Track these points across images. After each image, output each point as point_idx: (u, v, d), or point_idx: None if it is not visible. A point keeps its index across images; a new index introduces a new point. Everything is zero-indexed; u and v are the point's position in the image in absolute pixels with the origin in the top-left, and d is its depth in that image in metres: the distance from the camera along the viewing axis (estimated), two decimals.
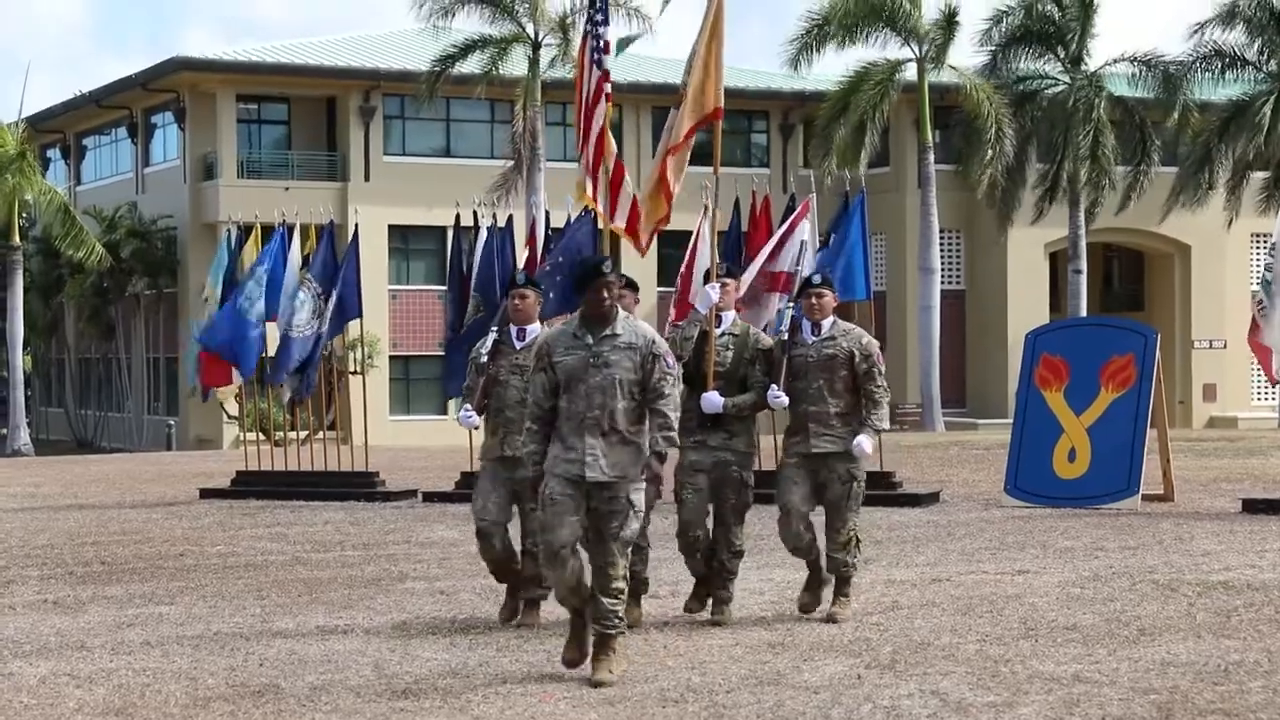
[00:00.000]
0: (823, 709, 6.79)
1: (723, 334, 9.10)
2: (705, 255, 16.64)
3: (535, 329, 8.95)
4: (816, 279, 9.25)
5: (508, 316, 9.06)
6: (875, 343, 9.21)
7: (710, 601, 9.07)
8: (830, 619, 8.83)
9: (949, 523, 14.16)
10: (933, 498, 16.24)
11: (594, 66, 9.76)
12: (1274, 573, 10.46)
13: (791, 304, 9.22)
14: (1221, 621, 8.64)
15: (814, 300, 9.06)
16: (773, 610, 9.39)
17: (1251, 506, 14.63)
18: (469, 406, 9.11)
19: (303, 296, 18.16)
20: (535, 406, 7.58)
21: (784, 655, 7.98)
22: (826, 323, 9.07)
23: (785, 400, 8.93)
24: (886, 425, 9.19)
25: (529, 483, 7.69)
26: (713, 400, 8.87)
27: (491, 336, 9.12)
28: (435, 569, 11.74)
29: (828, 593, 9.10)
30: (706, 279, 9.27)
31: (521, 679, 7.52)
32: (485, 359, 9.07)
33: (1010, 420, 16.33)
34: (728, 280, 9.22)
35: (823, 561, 9.09)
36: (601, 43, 9.52)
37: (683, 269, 16.73)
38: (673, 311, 16.91)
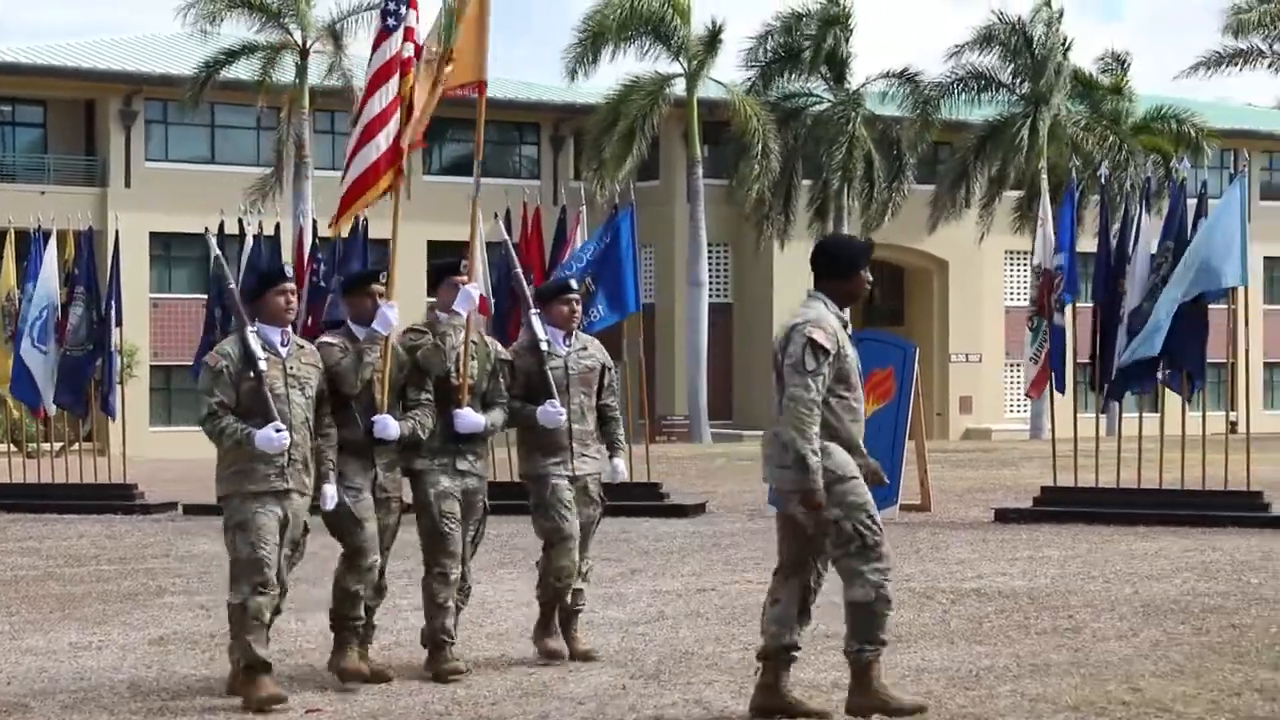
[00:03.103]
0: None
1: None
2: (478, 263, 16.69)
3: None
4: (574, 283, 8.67)
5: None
6: None
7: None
8: (590, 655, 8.14)
9: (714, 533, 14.33)
10: (699, 509, 16.42)
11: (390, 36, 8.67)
12: (1024, 580, 10.81)
13: (536, 311, 8.25)
14: (974, 628, 8.90)
15: (574, 306, 8.36)
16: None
17: (1003, 516, 15.10)
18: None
19: (79, 312, 17.71)
20: None
21: (550, 667, 7.98)
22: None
23: (563, 416, 8.06)
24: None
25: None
26: (472, 419, 7.83)
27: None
28: (195, 583, 11.50)
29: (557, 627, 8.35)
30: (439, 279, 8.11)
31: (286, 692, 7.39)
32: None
33: None
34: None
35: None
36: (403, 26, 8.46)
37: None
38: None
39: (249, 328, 7.30)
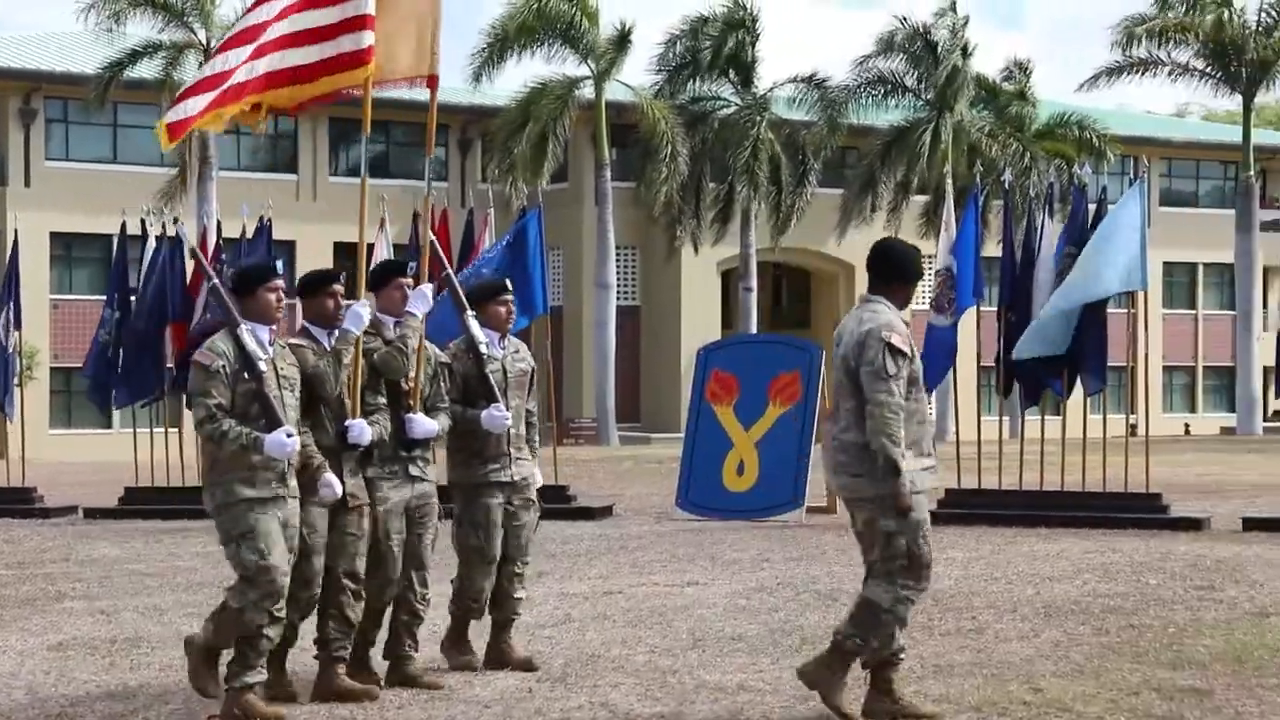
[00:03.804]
0: None
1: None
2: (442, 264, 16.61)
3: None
4: (508, 284, 8.40)
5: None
6: None
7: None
8: (531, 664, 7.93)
9: (621, 536, 14.34)
10: (606, 511, 16.43)
11: None
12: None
13: (472, 313, 8.00)
14: None
15: (510, 307, 8.19)
16: (445, 626, 9.34)
17: None
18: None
19: None
20: None
21: (455, 671, 7.95)
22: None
23: (509, 421, 7.85)
24: None
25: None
26: (427, 424, 7.50)
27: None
28: (96, 588, 11.35)
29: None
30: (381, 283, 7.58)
31: (185, 699, 7.31)
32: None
33: (683, 435, 16.66)
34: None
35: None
36: None
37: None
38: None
39: (242, 326, 6.91)
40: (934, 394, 39.45)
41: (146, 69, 37.68)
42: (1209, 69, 40.45)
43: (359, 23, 7.76)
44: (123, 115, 41.88)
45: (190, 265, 17.10)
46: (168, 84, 37.21)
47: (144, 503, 17.24)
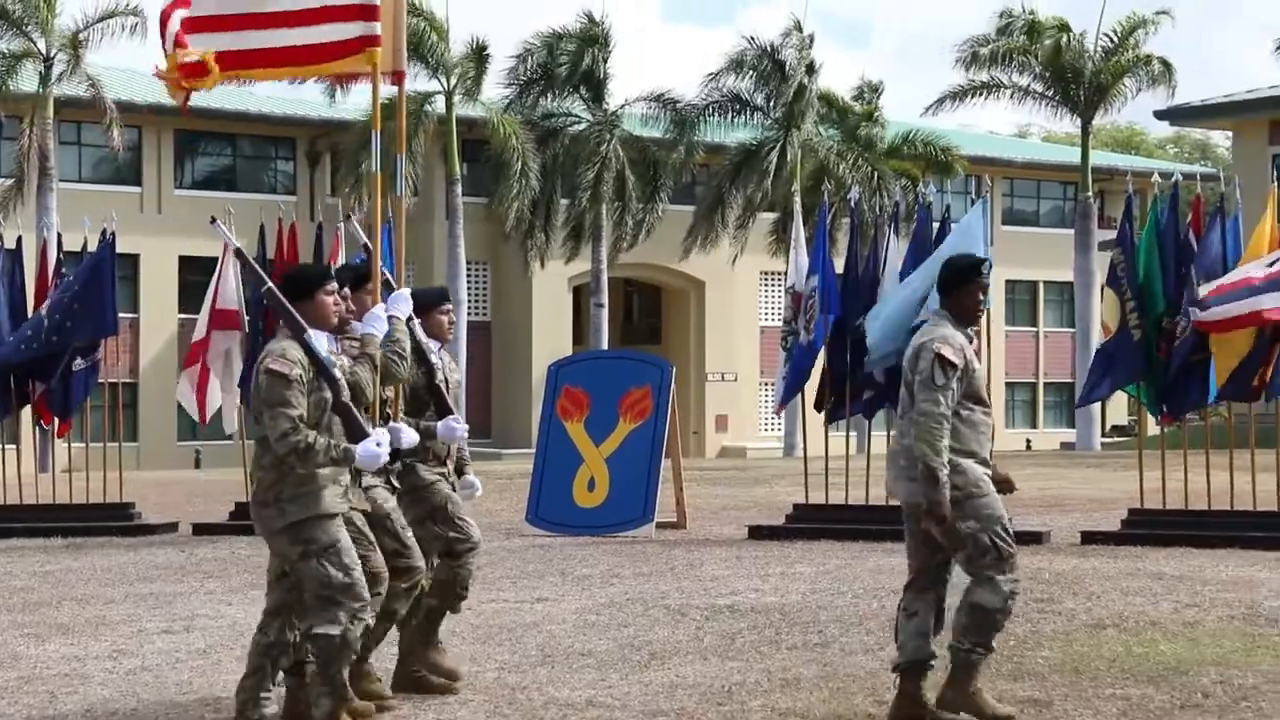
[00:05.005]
0: None
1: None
2: (230, 282, 16.39)
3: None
4: (448, 292, 8.27)
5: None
6: None
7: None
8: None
9: None
10: None
11: None
12: (776, 596, 10.99)
13: (418, 321, 7.68)
14: (727, 644, 9.02)
15: (452, 316, 8.14)
16: None
17: (757, 533, 15.34)
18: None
19: None
20: None
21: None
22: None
23: (465, 431, 7.82)
24: None
25: None
26: (412, 435, 7.19)
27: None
28: None
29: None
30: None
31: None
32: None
33: (533, 450, 16.65)
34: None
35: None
36: None
37: (211, 296, 16.40)
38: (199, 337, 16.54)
39: (309, 332, 6.59)
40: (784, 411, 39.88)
41: None
42: (1049, 92, 41.32)
43: (366, 12, 7.78)
44: None
45: (32, 279, 16.75)
46: (4, 93, 36.50)
47: None
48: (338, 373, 6.60)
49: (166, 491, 22.56)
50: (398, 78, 8.08)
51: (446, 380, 7.91)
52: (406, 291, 7.47)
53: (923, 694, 6.90)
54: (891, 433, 15.89)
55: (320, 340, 6.66)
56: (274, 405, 6.48)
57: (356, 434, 6.58)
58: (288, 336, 6.65)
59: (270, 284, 6.80)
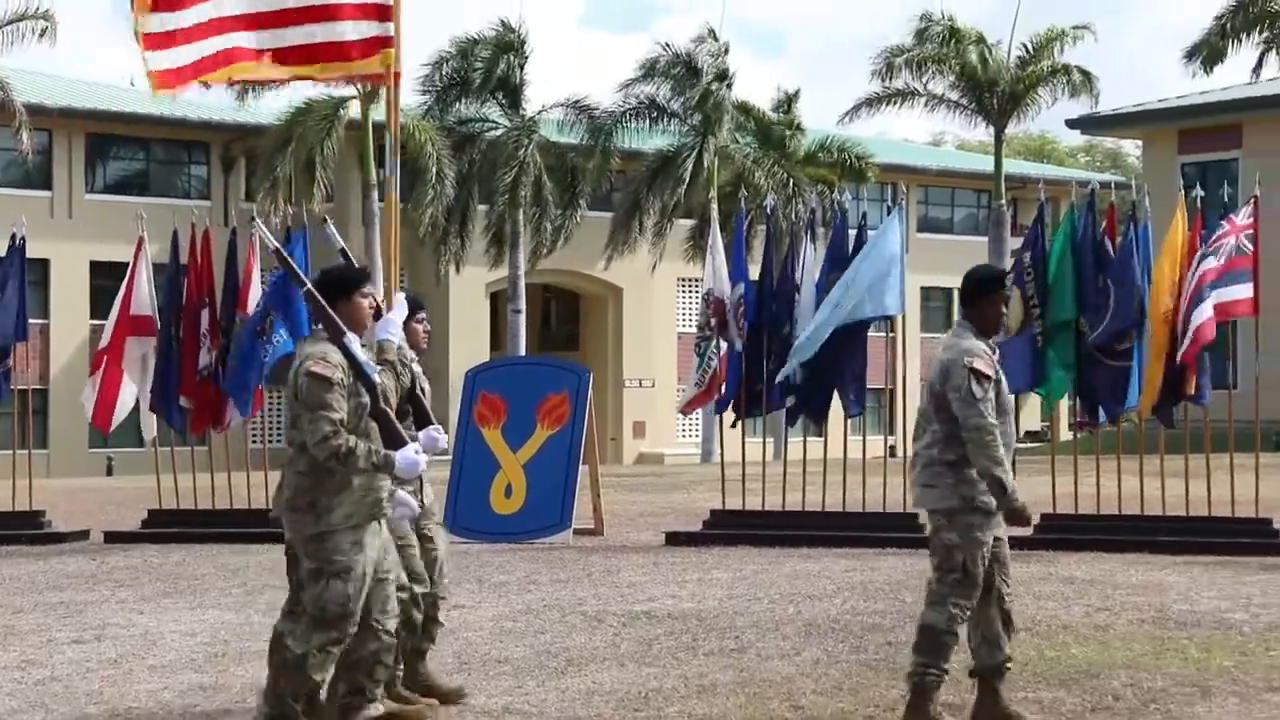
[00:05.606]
0: None
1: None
2: (144, 288, 16.23)
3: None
4: (422, 301, 8.15)
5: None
6: None
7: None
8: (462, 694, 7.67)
9: None
10: None
11: None
12: (693, 602, 11.01)
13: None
14: (644, 650, 9.03)
15: (427, 326, 8.07)
16: (204, 652, 9.16)
17: (674, 539, 15.35)
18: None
19: None
20: None
21: (216, 696, 7.80)
22: None
23: (446, 442, 7.51)
24: None
25: None
26: (441, 440, 7.21)
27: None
28: None
29: None
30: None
31: None
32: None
33: (450, 457, 16.59)
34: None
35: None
36: None
37: (121, 302, 16.24)
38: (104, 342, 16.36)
39: (346, 335, 6.41)
40: (700, 416, 39.97)
41: None
42: (963, 100, 41.69)
43: (383, 12, 7.77)
44: None
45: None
46: None
47: None
48: (377, 378, 6.44)
49: (77, 499, 22.29)
50: (394, 78, 8.26)
51: (424, 389, 7.85)
52: (401, 302, 7.40)
53: (1003, 698, 6.99)
54: (807, 439, 16.04)
55: (356, 344, 6.49)
56: (315, 408, 6.29)
57: (396, 440, 6.43)
58: (324, 339, 6.46)
59: (309, 286, 6.61)
